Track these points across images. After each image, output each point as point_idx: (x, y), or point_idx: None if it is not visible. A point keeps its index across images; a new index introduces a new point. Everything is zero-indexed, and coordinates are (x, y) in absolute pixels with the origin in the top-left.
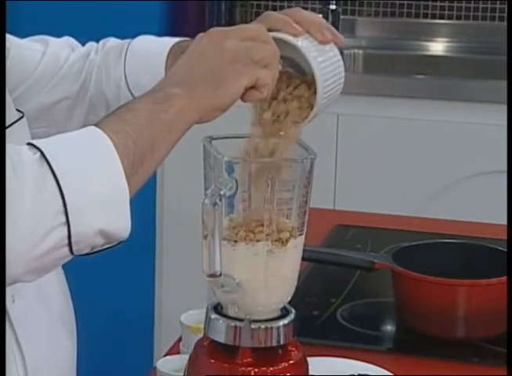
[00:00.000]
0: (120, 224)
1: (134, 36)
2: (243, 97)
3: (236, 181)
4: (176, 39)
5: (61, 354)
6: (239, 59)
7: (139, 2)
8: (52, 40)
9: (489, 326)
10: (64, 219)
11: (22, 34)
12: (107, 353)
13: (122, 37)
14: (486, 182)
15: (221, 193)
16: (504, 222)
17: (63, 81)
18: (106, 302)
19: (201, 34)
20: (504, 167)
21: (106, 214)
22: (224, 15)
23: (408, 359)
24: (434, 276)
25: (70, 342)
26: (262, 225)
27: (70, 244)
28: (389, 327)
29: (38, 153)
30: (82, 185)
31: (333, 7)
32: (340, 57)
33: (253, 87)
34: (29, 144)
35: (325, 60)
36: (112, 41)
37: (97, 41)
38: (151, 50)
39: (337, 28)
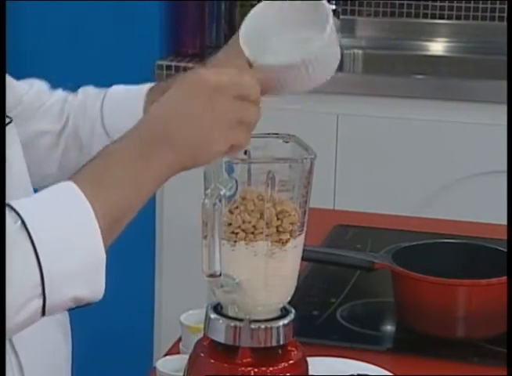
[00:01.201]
0: (95, 291)
1: (134, 36)
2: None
3: (236, 181)
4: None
5: (56, 354)
6: (228, 122)
7: (139, 2)
8: (32, 81)
9: (489, 326)
10: (40, 291)
11: (22, 34)
12: (107, 353)
13: (122, 38)
14: (486, 182)
15: (221, 193)
16: (504, 222)
17: (46, 115)
18: (106, 302)
19: (192, 77)
20: (504, 167)
21: (81, 283)
22: (224, 15)
23: (408, 359)
24: (434, 276)
25: (64, 342)
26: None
27: (43, 312)
28: (389, 327)
29: (19, 222)
30: (61, 258)
31: (332, 7)
32: None
33: None
34: (9, 206)
35: None
36: (91, 89)
37: (97, 41)
38: (130, 88)
39: (337, 28)
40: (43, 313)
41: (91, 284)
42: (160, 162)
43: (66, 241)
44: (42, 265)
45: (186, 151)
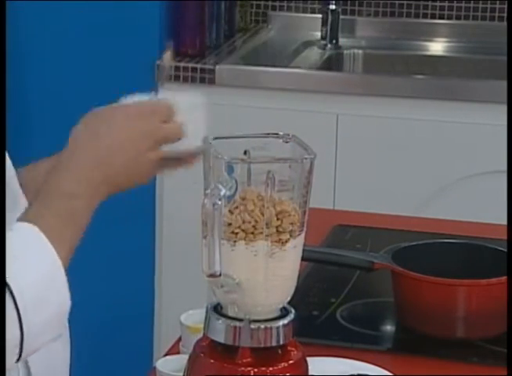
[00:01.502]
0: (60, 331)
1: (134, 36)
2: None
3: (236, 181)
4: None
5: (55, 355)
6: (158, 159)
7: (139, 3)
8: None
9: (489, 326)
10: (18, 351)
11: (22, 34)
12: (107, 353)
13: (122, 38)
14: (486, 182)
15: (221, 193)
16: (504, 222)
17: None
18: (106, 302)
19: (138, 122)
20: (504, 167)
21: (52, 333)
22: (224, 15)
23: (408, 359)
24: (434, 276)
25: (62, 343)
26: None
27: (17, 361)
28: (389, 327)
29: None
30: (39, 316)
31: (332, 7)
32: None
33: None
34: None
35: None
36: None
37: (97, 41)
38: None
39: (337, 28)
40: (17, 362)
41: (59, 329)
42: (102, 198)
43: (41, 300)
44: (24, 330)
45: (118, 187)
